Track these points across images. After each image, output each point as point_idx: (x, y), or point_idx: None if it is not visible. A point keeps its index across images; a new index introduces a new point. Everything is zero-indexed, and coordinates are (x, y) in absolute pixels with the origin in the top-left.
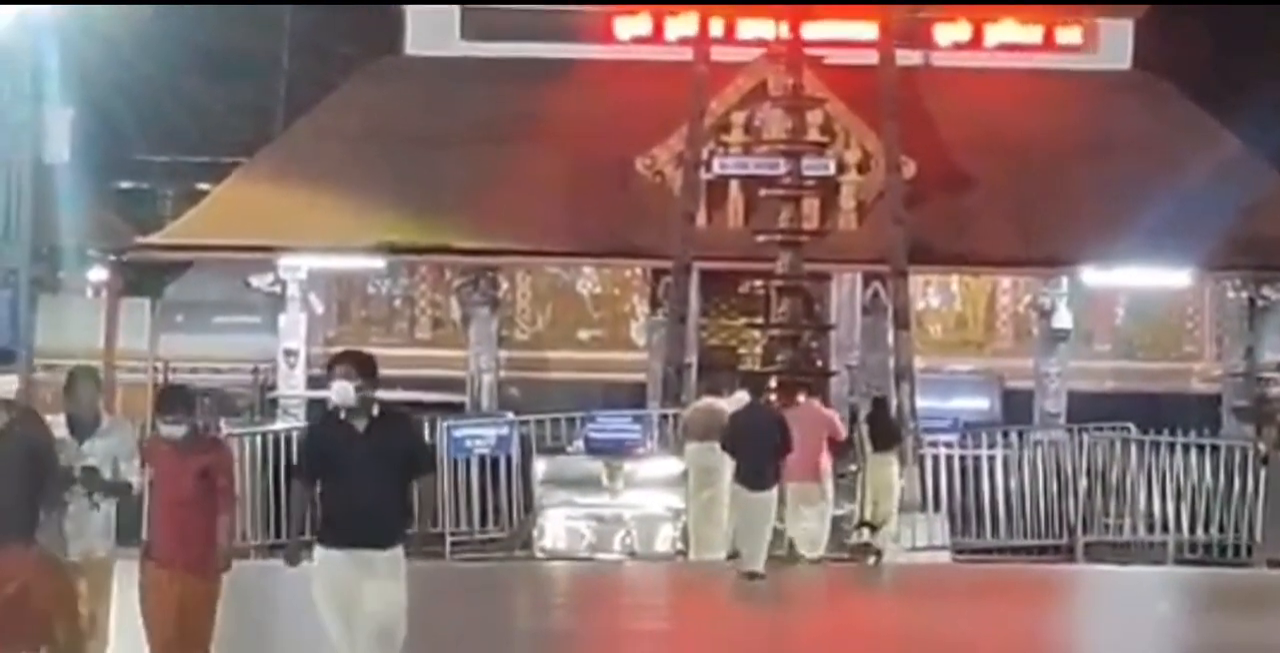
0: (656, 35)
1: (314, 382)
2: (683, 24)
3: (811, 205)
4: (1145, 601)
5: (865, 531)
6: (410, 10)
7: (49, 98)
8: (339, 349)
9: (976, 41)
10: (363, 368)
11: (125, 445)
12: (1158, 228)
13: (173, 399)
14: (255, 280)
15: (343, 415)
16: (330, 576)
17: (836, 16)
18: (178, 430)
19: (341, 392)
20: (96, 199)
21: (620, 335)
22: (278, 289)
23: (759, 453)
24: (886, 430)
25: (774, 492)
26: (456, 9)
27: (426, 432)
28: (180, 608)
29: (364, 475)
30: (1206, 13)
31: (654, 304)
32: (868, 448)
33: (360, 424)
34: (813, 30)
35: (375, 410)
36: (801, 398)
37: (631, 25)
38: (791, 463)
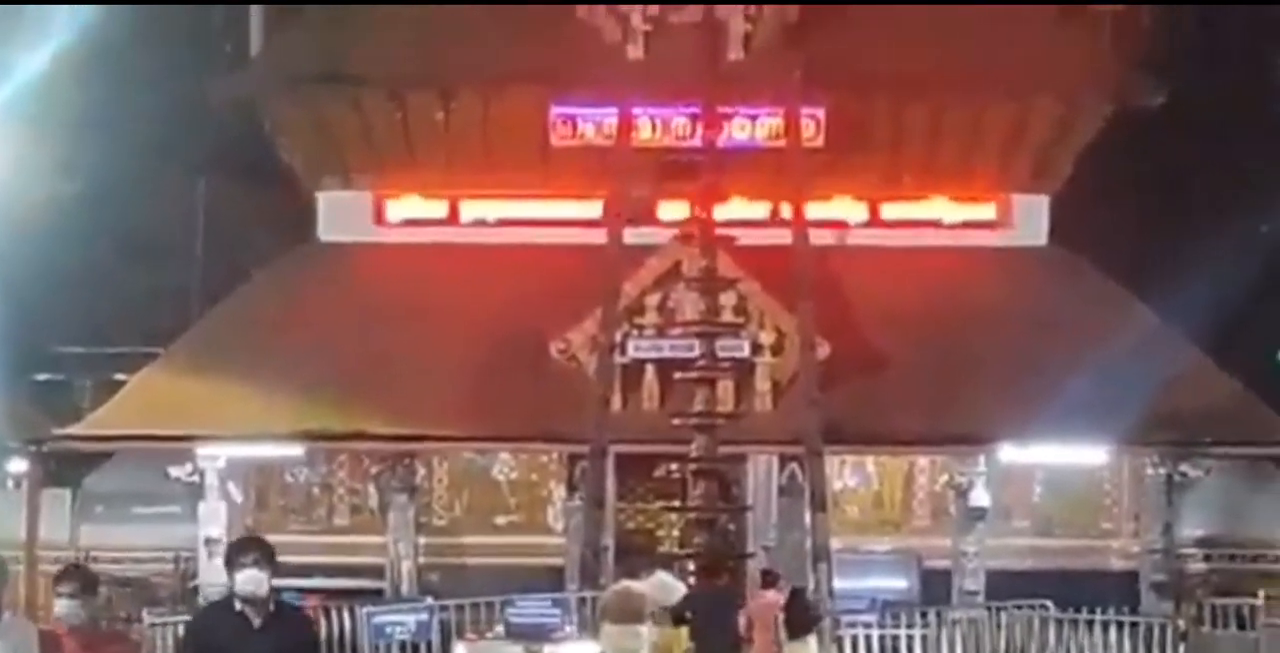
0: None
1: None
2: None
3: (726, 387)
4: None
5: None
6: (324, 198)
7: None
8: (240, 537)
9: (891, 219)
10: (270, 557)
11: (25, 644)
12: (1075, 404)
13: (69, 575)
14: (174, 470)
15: (237, 606)
16: None
17: (748, 197)
18: (75, 610)
19: (254, 581)
20: (13, 391)
21: (538, 520)
22: (196, 478)
23: (716, 633)
24: (802, 618)
25: None
26: (369, 195)
27: (347, 619)
28: None
29: None
30: (1121, 189)
31: (571, 488)
32: (783, 635)
33: (257, 618)
34: (725, 210)
35: (272, 605)
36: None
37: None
38: (759, 646)
